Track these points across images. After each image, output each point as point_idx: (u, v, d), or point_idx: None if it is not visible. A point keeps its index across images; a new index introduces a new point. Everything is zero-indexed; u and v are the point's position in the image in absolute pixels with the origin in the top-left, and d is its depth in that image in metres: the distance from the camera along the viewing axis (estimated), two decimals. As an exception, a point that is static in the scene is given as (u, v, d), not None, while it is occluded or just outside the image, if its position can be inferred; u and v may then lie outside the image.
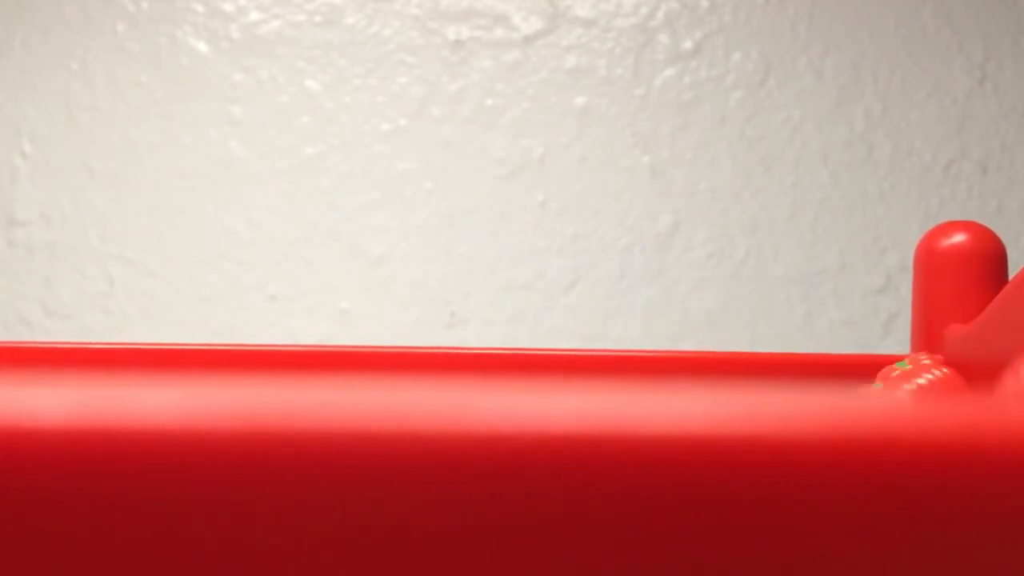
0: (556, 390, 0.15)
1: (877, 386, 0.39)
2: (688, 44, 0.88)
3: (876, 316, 0.85)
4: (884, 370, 0.41)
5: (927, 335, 0.45)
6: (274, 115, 0.86)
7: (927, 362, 0.40)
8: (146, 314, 0.84)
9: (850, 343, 0.84)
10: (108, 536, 0.14)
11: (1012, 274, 0.42)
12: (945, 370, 0.39)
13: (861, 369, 0.44)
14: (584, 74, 0.87)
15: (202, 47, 0.87)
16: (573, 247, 0.85)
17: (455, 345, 0.83)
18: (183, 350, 0.44)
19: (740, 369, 0.44)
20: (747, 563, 0.14)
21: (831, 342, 0.84)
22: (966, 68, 0.88)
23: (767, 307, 0.84)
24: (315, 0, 0.88)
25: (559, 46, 0.88)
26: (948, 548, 0.14)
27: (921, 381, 0.38)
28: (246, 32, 0.87)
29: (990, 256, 0.44)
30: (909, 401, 0.15)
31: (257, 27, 0.87)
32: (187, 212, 0.85)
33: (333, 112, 0.86)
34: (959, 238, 0.45)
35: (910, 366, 0.40)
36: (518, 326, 0.84)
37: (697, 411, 0.14)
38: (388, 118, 0.86)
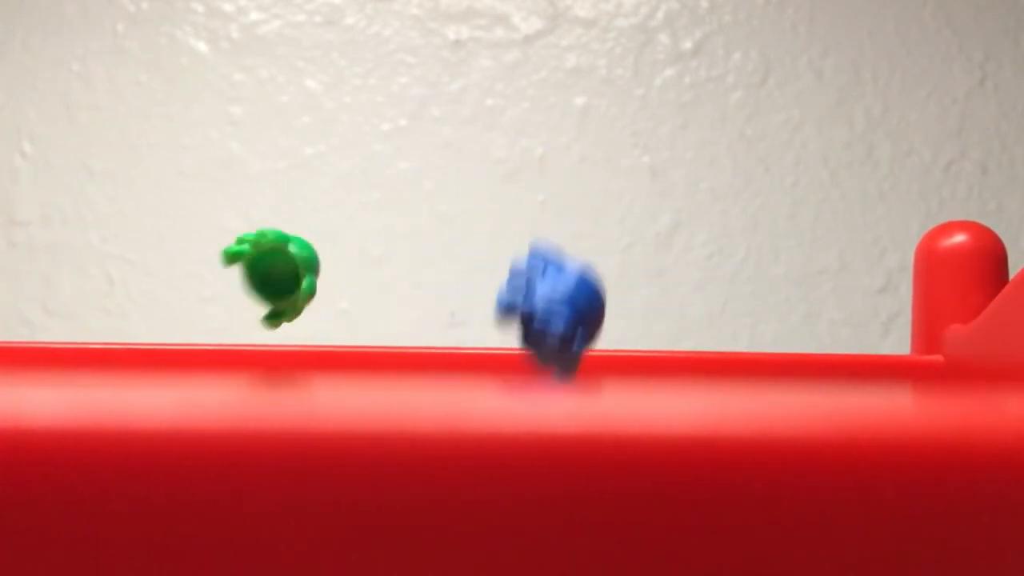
0: (556, 390, 0.15)
1: None
2: (688, 44, 0.88)
3: (876, 316, 0.85)
4: None
5: (927, 335, 0.45)
6: (274, 115, 0.86)
7: None
8: (146, 314, 0.84)
9: (850, 343, 0.84)
10: (107, 535, 0.14)
11: (1012, 274, 0.42)
12: None
13: (861, 369, 0.44)
14: (584, 74, 0.87)
15: (202, 47, 0.87)
16: (573, 247, 0.85)
17: (455, 345, 0.83)
18: (183, 350, 0.44)
19: (740, 369, 0.44)
20: (747, 562, 0.14)
21: (831, 342, 0.84)
22: (966, 68, 0.88)
23: (767, 307, 0.84)
24: (315, 0, 0.88)
25: (559, 46, 0.88)
26: (948, 547, 0.14)
27: None
28: (246, 32, 0.87)
29: (990, 256, 0.44)
30: (910, 400, 0.15)
31: (257, 27, 0.87)
32: (187, 212, 0.85)
33: (333, 112, 0.86)
34: (959, 238, 0.45)
35: None
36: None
37: (697, 411, 0.14)
38: (388, 118, 0.86)
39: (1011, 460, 0.14)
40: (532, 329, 0.29)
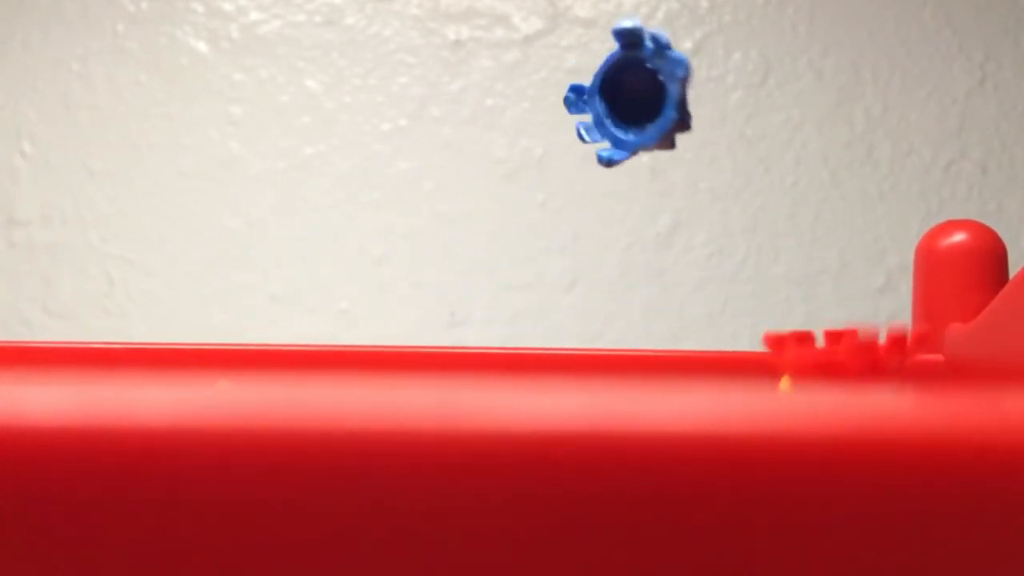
0: (556, 390, 0.15)
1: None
2: (688, 44, 0.88)
3: (876, 316, 0.85)
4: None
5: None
6: (274, 115, 0.86)
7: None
8: (146, 314, 0.84)
9: (850, 343, 0.84)
10: (107, 535, 0.14)
11: (1012, 274, 0.42)
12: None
13: (861, 369, 0.44)
14: (584, 74, 0.87)
15: (202, 47, 0.87)
16: (573, 247, 0.85)
17: (455, 345, 0.83)
18: (183, 350, 0.44)
19: (739, 369, 0.44)
20: (748, 562, 0.14)
21: (831, 342, 0.84)
22: (966, 68, 0.88)
23: (767, 307, 0.84)
24: (315, 0, 0.88)
25: (559, 46, 0.88)
26: (947, 546, 0.14)
27: None
28: (246, 32, 0.87)
29: (990, 256, 0.44)
30: (909, 400, 0.15)
31: (257, 27, 0.87)
32: (187, 212, 0.85)
33: (333, 112, 0.86)
34: (959, 238, 0.45)
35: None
36: (518, 326, 0.84)
37: (697, 411, 0.14)
38: (388, 118, 0.86)
39: (1011, 460, 0.14)
40: (670, 91, 0.29)
